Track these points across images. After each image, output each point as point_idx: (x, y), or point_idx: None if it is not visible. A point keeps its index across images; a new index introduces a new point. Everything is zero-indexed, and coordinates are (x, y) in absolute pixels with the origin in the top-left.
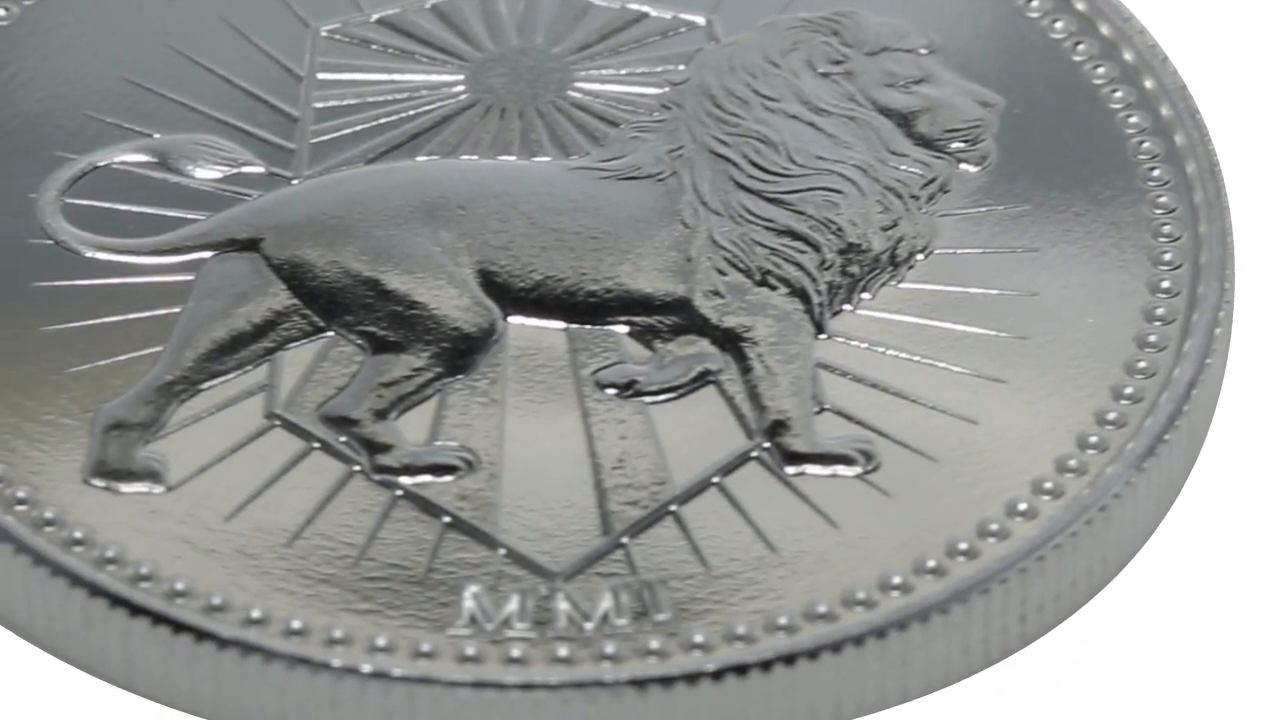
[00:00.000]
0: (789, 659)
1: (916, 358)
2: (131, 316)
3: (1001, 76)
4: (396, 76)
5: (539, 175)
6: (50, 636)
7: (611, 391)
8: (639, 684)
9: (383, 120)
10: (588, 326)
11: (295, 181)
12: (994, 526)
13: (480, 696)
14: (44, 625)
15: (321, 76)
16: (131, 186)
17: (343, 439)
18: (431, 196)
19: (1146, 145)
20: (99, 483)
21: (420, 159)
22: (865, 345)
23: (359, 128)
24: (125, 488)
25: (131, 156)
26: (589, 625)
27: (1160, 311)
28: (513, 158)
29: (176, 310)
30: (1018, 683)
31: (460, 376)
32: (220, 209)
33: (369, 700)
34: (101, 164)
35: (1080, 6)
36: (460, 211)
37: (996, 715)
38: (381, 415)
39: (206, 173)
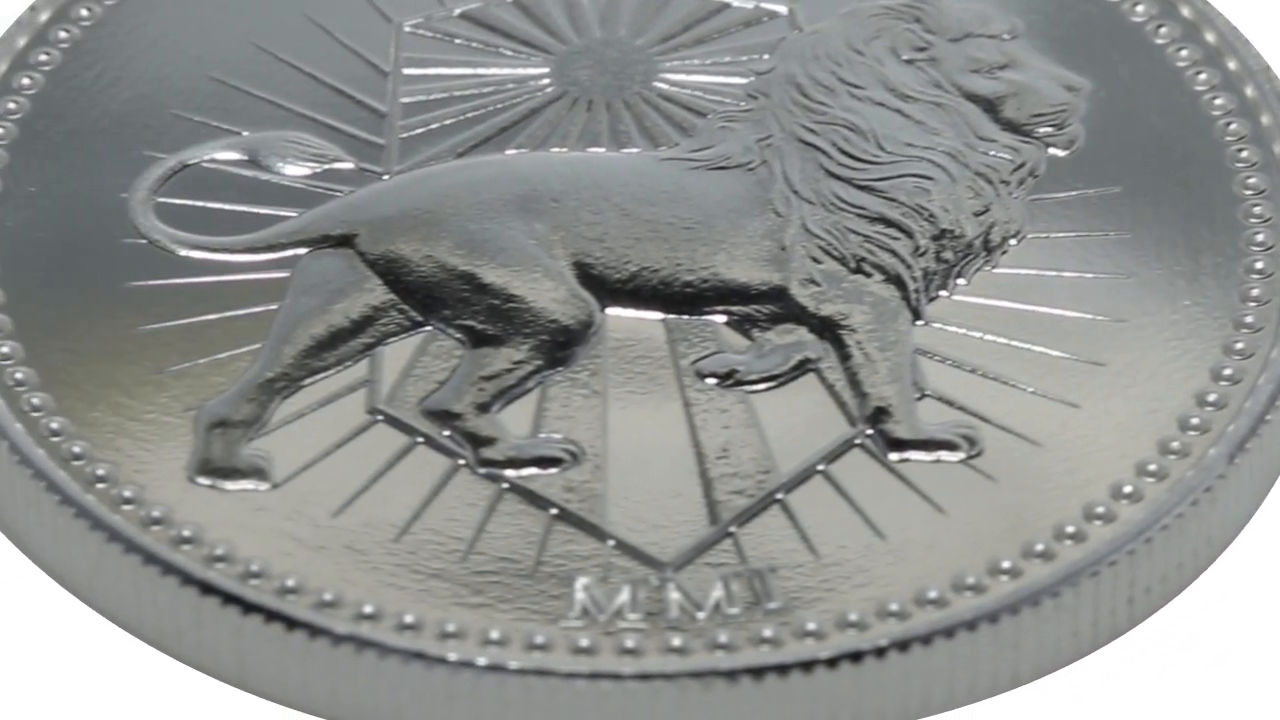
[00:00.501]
0: (903, 645)
1: (1015, 342)
2: (228, 314)
3: (1083, 60)
4: (482, 70)
5: (629, 166)
6: (160, 635)
7: (712, 381)
8: (755, 672)
9: (470, 114)
10: (685, 317)
11: (386, 177)
12: (1100, 510)
13: (597, 688)
14: (154, 624)
15: (407, 72)
16: (222, 184)
17: (446, 433)
18: (523, 189)
19: (1233, 127)
20: (204, 481)
21: (510, 152)
22: (963, 331)
23: (447, 122)
24: (230, 485)
25: (221, 154)
26: (701, 615)
27: (1256, 292)
28: (602, 149)
29: (273, 307)
30: (1124, 666)
31: (560, 369)
32: (311, 205)
33: (484, 694)
34: (191, 162)
35: None
36: (553, 204)
37: (1104, 699)
38: (484, 409)
39: (296, 169)
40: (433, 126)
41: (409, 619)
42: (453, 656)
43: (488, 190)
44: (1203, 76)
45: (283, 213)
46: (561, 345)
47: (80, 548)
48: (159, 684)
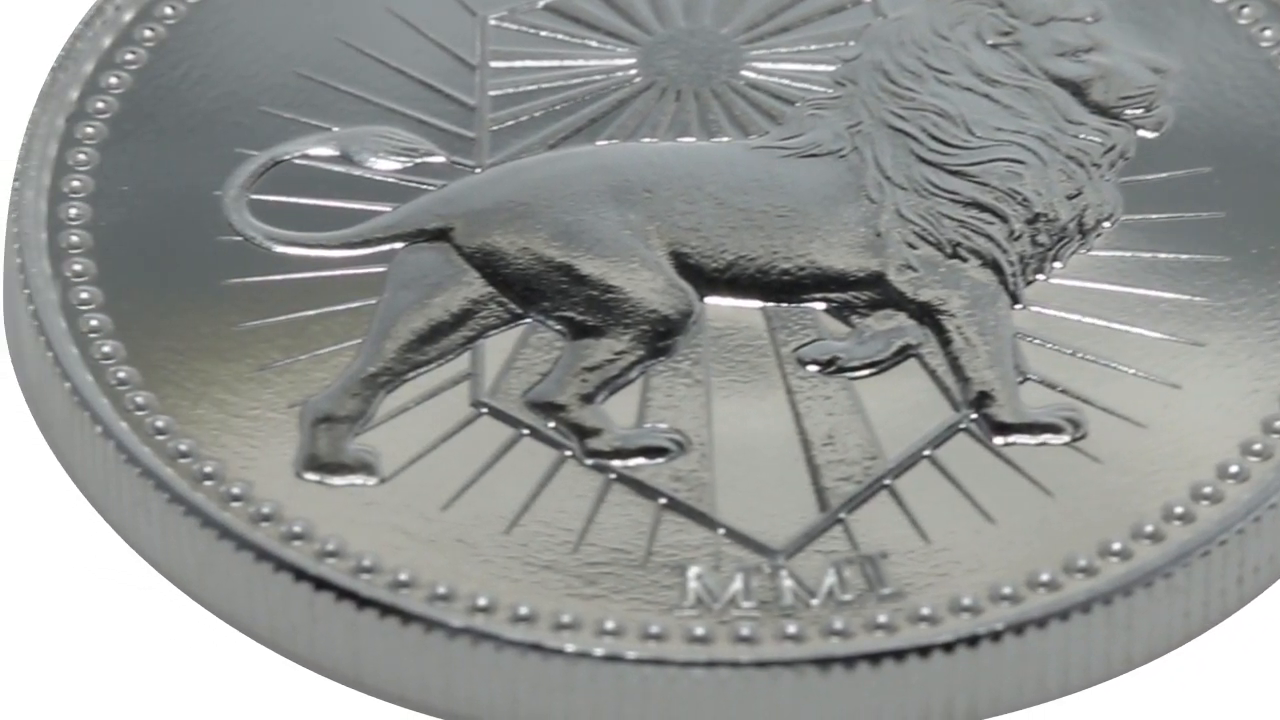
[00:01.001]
0: (1018, 628)
1: (1114, 324)
2: (327, 310)
3: (1167, 42)
4: (568, 62)
5: (721, 155)
6: (273, 632)
7: (813, 368)
8: (872, 658)
9: (559, 106)
10: (784, 304)
11: (478, 170)
12: (1207, 490)
13: (715, 676)
14: (266, 621)
15: (494, 65)
16: (313, 180)
17: (551, 425)
18: (616, 180)
19: None
20: (312, 476)
21: (600, 143)
22: (1062, 314)
23: (536, 114)
24: (338, 480)
25: (312, 150)
26: (815, 601)
27: None
28: (692, 139)
29: (371, 302)
30: (1233, 647)
31: (662, 359)
32: (404, 200)
33: (602, 684)
34: (283, 159)
35: None
36: (646, 194)
37: (1213, 680)
38: (588, 400)
39: (388, 164)
40: (522, 119)
41: (523, 611)
42: (570, 648)
43: (581, 181)
44: None
45: (375, 208)
46: (662, 335)
47: (190, 545)
48: (270, 681)
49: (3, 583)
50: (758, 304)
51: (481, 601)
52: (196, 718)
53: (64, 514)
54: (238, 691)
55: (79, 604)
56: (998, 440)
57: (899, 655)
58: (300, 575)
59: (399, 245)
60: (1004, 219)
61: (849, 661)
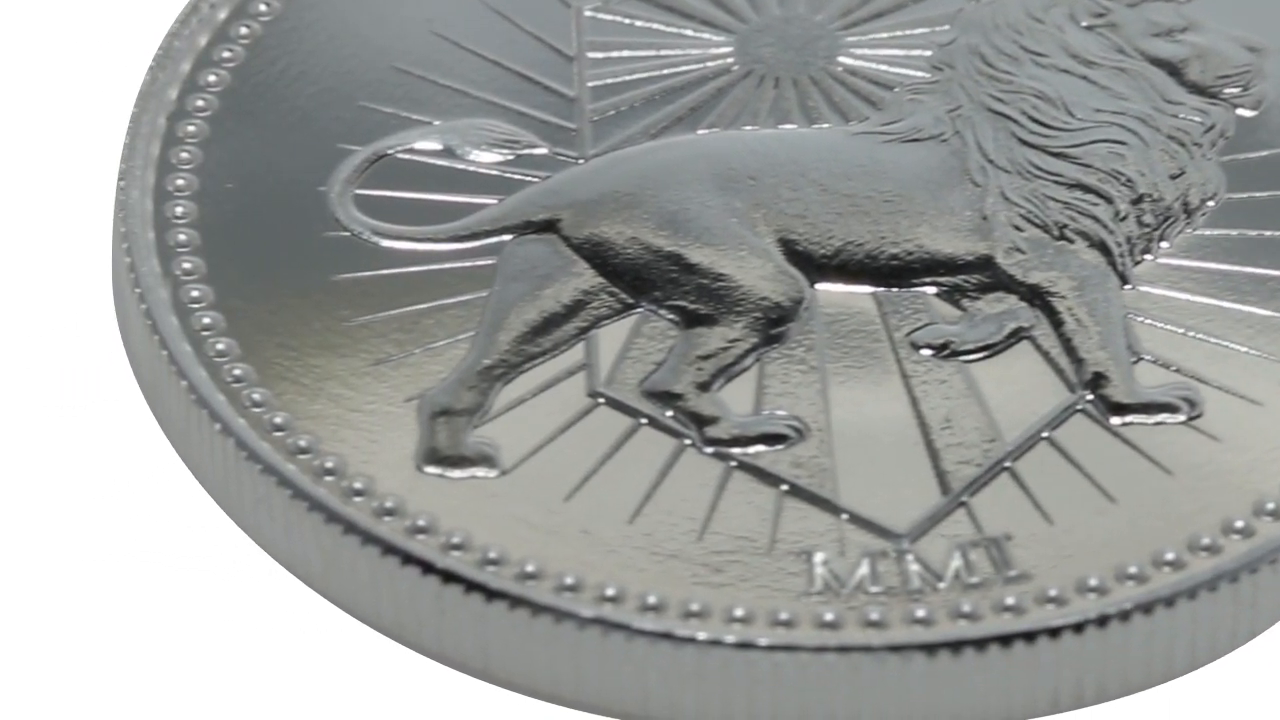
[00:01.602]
0: (1146, 608)
1: (1224, 303)
2: (438, 303)
3: (1260, 21)
4: (665, 51)
5: (822, 142)
6: (399, 626)
7: (927, 352)
8: (1003, 640)
9: (658, 96)
10: (894, 289)
11: (582, 161)
12: None
13: (847, 660)
14: (393, 615)
15: (591, 55)
16: (417, 174)
17: (669, 414)
18: (720, 168)
19: None
20: (433, 470)
21: (702, 132)
22: (1172, 293)
23: (636, 104)
24: (458, 473)
25: (414, 144)
26: (942, 584)
27: None
28: (792, 126)
29: (482, 295)
30: None
31: (775, 346)
32: (508, 192)
33: (734, 671)
34: (386, 153)
35: None
36: (750, 182)
37: None
38: (704, 388)
39: (490, 156)
40: (622, 109)
41: (652, 600)
42: (702, 636)
43: (685, 170)
44: None
45: (480, 200)
46: (774, 322)
47: (314, 541)
48: (397, 674)
49: (130, 581)
50: (868, 289)
51: (610, 591)
52: (325, 711)
53: (187, 509)
54: (365, 684)
55: (206, 600)
56: (1115, 421)
57: (1029, 637)
58: (428, 569)
59: (506, 238)
60: (1109, 200)
61: (980, 644)
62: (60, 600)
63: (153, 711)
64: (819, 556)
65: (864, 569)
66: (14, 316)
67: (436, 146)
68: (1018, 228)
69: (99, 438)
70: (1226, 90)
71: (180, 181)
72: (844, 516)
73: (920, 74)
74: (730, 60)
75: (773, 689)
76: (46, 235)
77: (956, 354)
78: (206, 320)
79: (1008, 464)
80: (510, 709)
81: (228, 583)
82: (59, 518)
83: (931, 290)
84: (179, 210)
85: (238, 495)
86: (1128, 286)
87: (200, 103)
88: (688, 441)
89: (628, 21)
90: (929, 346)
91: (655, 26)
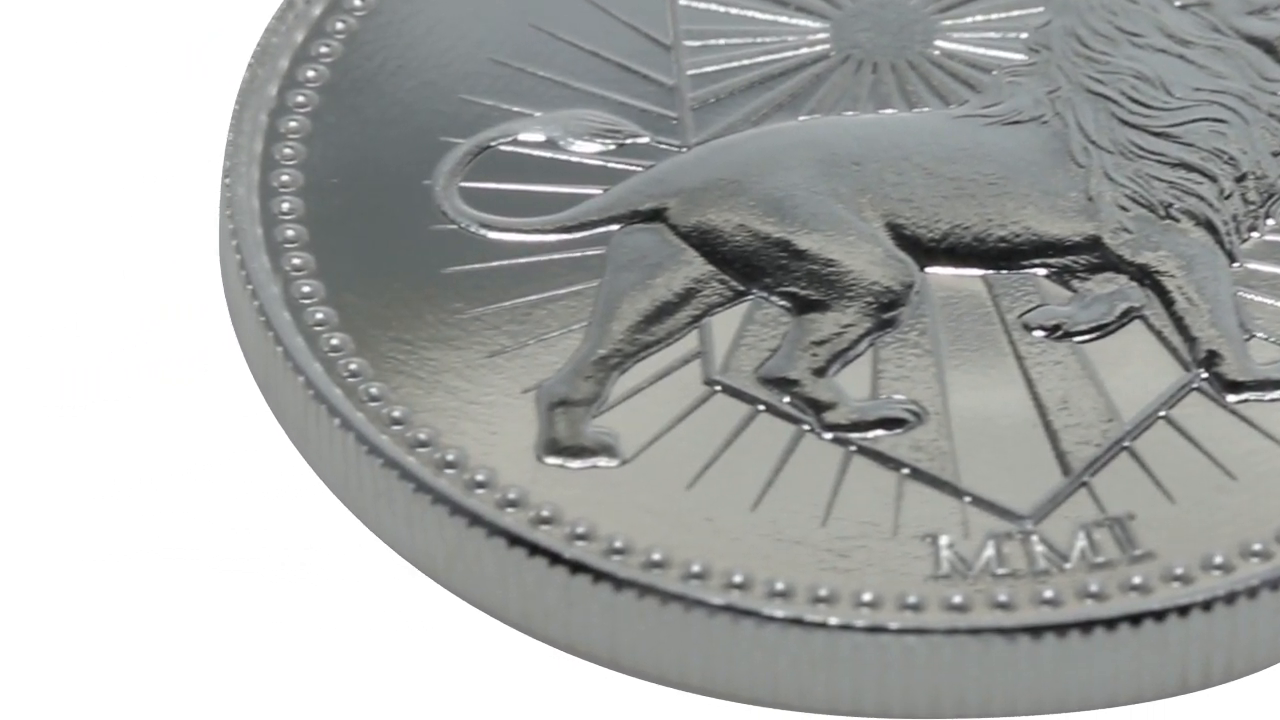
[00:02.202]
0: (1274, 584)
1: None
2: (549, 294)
3: None
4: (761, 39)
5: (924, 126)
6: (526, 617)
7: (1040, 334)
8: (1133, 619)
9: (757, 83)
10: (1004, 272)
11: (685, 149)
12: None
13: (979, 642)
14: (520, 606)
15: (688, 44)
16: (520, 165)
17: (786, 400)
18: (824, 154)
19: None
20: (553, 460)
21: (803, 118)
22: None
23: (735, 91)
24: (579, 463)
25: (517, 136)
26: (1068, 565)
27: None
28: (893, 110)
29: (592, 285)
30: None
31: (888, 330)
32: (612, 182)
33: (865, 656)
34: (489, 145)
35: None
36: (854, 167)
37: None
38: (820, 373)
39: (592, 147)
40: (721, 97)
41: (779, 586)
42: (833, 621)
43: (789, 156)
44: None
45: (584, 191)
46: (886, 306)
47: (438, 534)
48: (525, 665)
49: (253, 578)
50: (977, 272)
51: (737, 578)
52: (452, 703)
53: (308, 505)
54: (491, 675)
55: (329, 596)
56: (1230, 398)
57: (1159, 616)
58: (555, 559)
59: (614, 227)
60: (1213, 178)
61: (1110, 624)
62: (189, 601)
63: (281, 709)
64: (944, 539)
65: (989, 551)
66: (125, 317)
67: (539, 138)
68: (1123, 208)
69: (217, 435)
70: None
71: (285, 177)
72: (966, 499)
73: (1017, 57)
74: (826, 46)
75: (903, 673)
76: (152, 235)
77: (1069, 335)
78: (320, 315)
79: (1127, 443)
80: (637, 697)
81: (350, 578)
82: (180, 518)
83: (1041, 272)
84: (285, 206)
85: (358, 490)
86: (1235, 264)
87: (300, 98)
88: (806, 427)
89: (722, 9)
90: (1041, 328)
91: (750, 14)
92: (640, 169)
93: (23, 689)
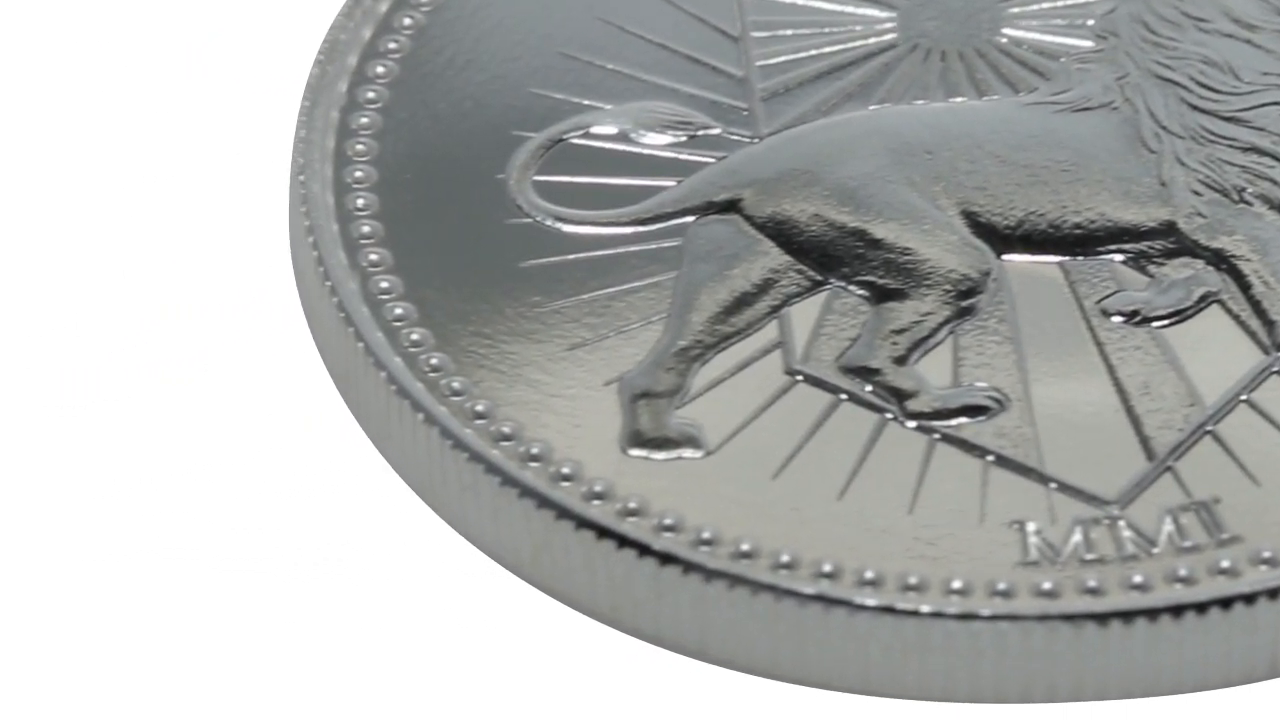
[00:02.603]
0: None
1: None
2: (627, 286)
3: None
4: (828, 29)
5: (994, 114)
6: (615, 610)
7: (1118, 320)
8: (1223, 603)
9: (825, 73)
10: (1080, 258)
11: (757, 140)
12: None
13: (1071, 628)
14: (608, 599)
15: (756, 35)
16: (593, 158)
17: (868, 389)
18: (896, 143)
19: None
20: (638, 452)
21: (873, 107)
22: None
23: (805, 82)
24: (663, 455)
25: (589, 129)
26: (1156, 550)
27: None
28: (963, 99)
29: (669, 277)
30: None
31: (967, 318)
32: (684, 174)
33: (957, 643)
34: (561, 139)
35: None
36: (927, 155)
37: None
38: (901, 362)
39: (664, 139)
40: (791, 87)
41: (869, 575)
42: (925, 609)
43: (862, 146)
44: None
45: (657, 183)
46: (964, 294)
47: (524, 528)
48: (613, 657)
49: (336, 577)
50: (1054, 259)
51: (826, 568)
52: (541, 698)
53: (387, 501)
54: (580, 668)
55: (412, 592)
56: None
57: (1249, 599)
58: (644, 551)
59: (689, 219)
60: None
61: (1201, 608)
62: (270, 599)
63: (369, 708)
64: (1031, 526)
65: (1077, 537)
66: (199, 315)
67: (611, 130)
68: (1196, 192)
69: (293, 433)
70: None
71: (359, 174)
72: (1052, 486)
73: (1084, 43)
74: (894, 35)
75: (995, 660)
76: (222, 232)
77: (1147, 320)
78: (399, 311)
79: (1209, 427)
80: (727, 687)
81: (432, 573)
82: (259, 514)
83: (1117, 258)
84: (360, 202)
85: (442, 485)
86: None
87: (371, 94)
88: (889, 416)
89: (789, 0)
90: (1120, 314)
91: (816, 4)
92: (712, 160)
93: (18, 691)
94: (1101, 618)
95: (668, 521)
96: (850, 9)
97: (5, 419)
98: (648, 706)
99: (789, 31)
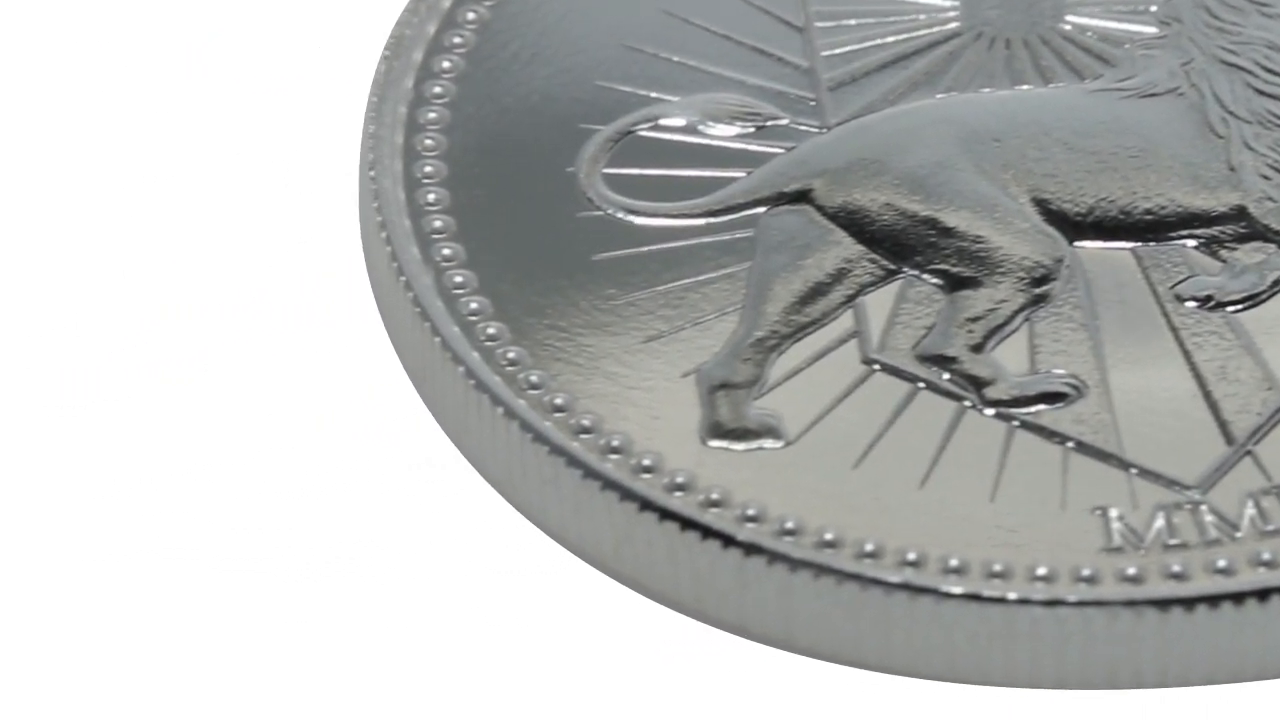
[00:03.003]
0: None
1: None
2: (701, 278)
3: None
4: (891, 18)
5: (1061, 101)
6: (699, 601)
7: (1193, 305)
8: None
9: (891, 62)
10: (1152, 244)
11: (825, 130)
12: None
13: (1157, 613)
14: (692, 590)
15: (820, 25)
16: (661, 151)
17: (945, 377)
18: (964, 131)
19: None
20: (718, 443)
21: (940, 96)
22: None
23: (871, 71)
24: (743, 445)
25: (657, 121)
26: (1239, 534)
27: None
28: (1028, 86)
29: (743, 268)
30: None
31: (1042, 305)
32: (753, 165)
33: (1043, 629)
34: (630, 131)
35: None
36: (995, 144)
37: None
38: (977, 350)
39: (732, 130)
40: (857, 77)
41: (953, 563)
42: (1012, 596)
43: (930, 134)
44: None
45: (726, 174)
46: (1038, 281)
47: (607, 520)
48: (697, 647)
49: (417, 573)
50: (1126, 245)
51: (910, 556)
52: (627, 691)
53: (465, 496)
54: (665, 660)
55: (491, 588)
56: None
57: None
58: (729, 542)
59: (759, 210)
60: None
61: None
62: (354, 597)
63: (456, 704)
64: (1113, 512)
65: (1159, 522)
66: (272, 312)
67: (679, 122)
68: (1266, 177)
69: (370, 430)
70: None
71: (428, 168)
72: (1133, 471)
73: (1147, 29)
74: (957, 24)
75: (1081, 645)
76: (291, 230)
77: (1222, 305)
78: (474, 305)
79: None
80: (812, 676)
81: (512, 568)
82: (338, 511)
83: (1189, 243)
84: (431, 197)
85: (522, 480)
86: None
87: (438, 89)
88: (967, 404)
89: None
90: (1194, 299)
91: None
92: (781, 151)
93: (19, 691)
94: (1188, 602)
95: (750, 512)
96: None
97: (104, 408)
98: (734, 697)
99: (853, 21)
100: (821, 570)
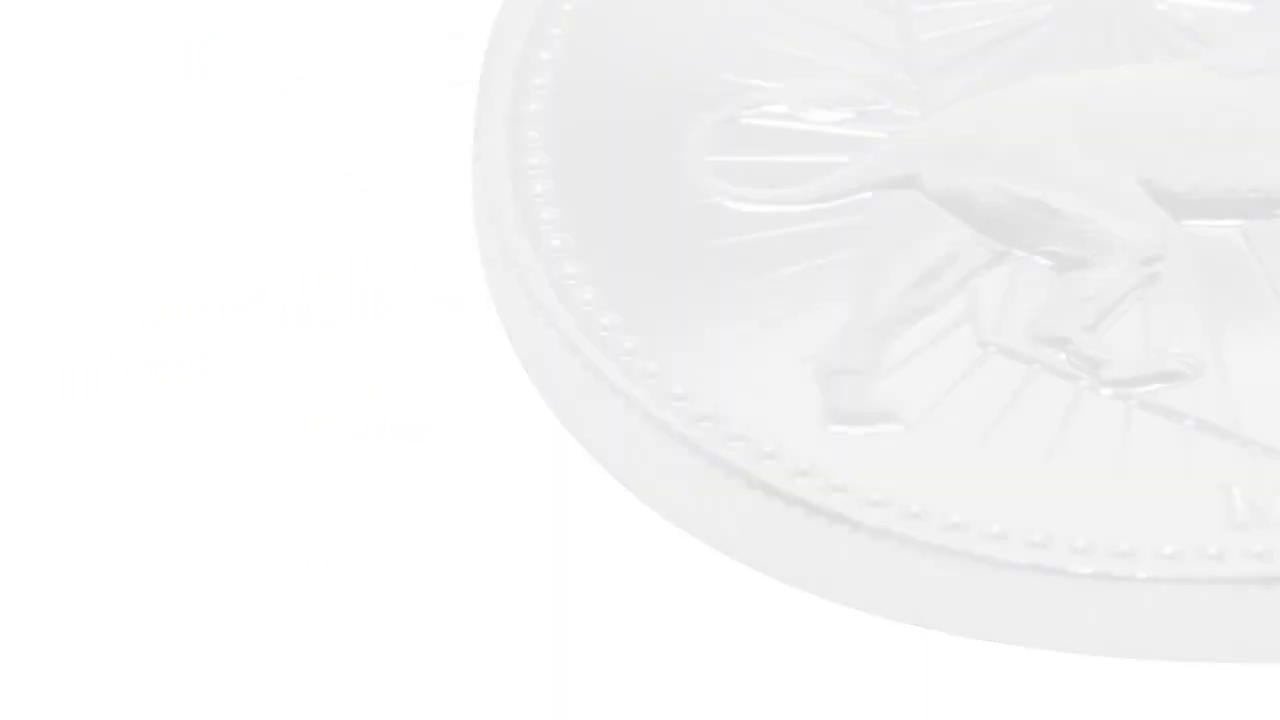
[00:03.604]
0: None
1: None
2: (813, 265)
3: None
4: (987, 1)
5: (1161, 80)
6: (826, 584)
7: None
8: None
9: (987, 44)
10: (1259, 221)
11: (926, 115)
12: None
13: None
14: (818, 574)
15: (916, 9)
16: (763, 137)
17: (1061, 357)
18: (1066, 112)
19: None
20: (839, 428)
21: (1039, 77)
22: None
23: (968, 54)
24: (865, 430)
25: (760, 107)
26: None
27: None
28: (1127, 66)
29: (854, 254)
30: None
31: (1152, 284)
32: (855, 151)
33: (1171, 608)
34: (734, 119)
35: None
36: (1098, 124)
37: None
38: (1091, 330)
39: (833, 115)
40: (955, 60)
41: (1079, 543)
42: (1141, 574)
43: (1034, 116)
44: None
45: (829, 160)
46: (1148, 261)
47: (730, 507)
48: (823, 628)
49: (540, 564)
50: (1232, 223)
51: (1037, 537)
52: (761, 671)
53: (584, 486)
54: (799, 642)
55: (619, 577)
56: None
57: None
58: (855, 526)
59: (867, 195)
60: None
61: None
62: (480, 587)
63: (591, 687)
64: (1237, 490)
65: None
66: (389, 308)
67: (780, 109)
68: None
69: (487, 422)
70: None
71: (534, 160)
72: (1254, 448)
73: (1243, 7)
74: (1052, 5)
75: (1210, 622)
76: (401, 223)
77: None
78: (588, 295)
79: None
80: (944, 654)
81: (636, 556)
82: (457, 502)
83: None
84: (538, 189)
85: (642, 468)
86: None
87: (538, 80)
88: (1085, 384)
89: None
90: None
91: None
92: (883, 136)
93: (24, 691)
94: None
95: (875, 496)
96: None
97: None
98: (866, 676)
99: (947, 5)
100: (950, 553)
